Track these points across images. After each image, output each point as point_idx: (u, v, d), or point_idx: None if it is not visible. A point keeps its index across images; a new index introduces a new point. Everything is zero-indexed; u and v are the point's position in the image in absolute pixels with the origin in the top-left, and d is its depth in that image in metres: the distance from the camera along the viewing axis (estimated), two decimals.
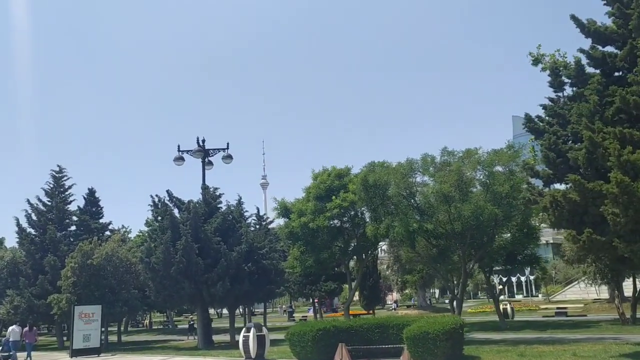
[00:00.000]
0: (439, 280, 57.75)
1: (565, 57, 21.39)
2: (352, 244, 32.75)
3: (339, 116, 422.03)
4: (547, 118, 18.74)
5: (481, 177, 25.52)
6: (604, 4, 17.75)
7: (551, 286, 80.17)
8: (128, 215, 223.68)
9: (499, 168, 26.32)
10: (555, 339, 25.27)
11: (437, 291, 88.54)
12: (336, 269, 43.57)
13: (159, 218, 34.77)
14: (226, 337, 36.66)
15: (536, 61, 21.24)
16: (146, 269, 32.87)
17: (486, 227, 26.07)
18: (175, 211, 34.49)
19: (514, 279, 75.54)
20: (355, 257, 35.49)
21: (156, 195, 34.67)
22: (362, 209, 30.07)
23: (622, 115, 15.90)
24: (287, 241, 33.52)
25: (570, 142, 17.18)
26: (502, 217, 26.08)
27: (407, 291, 75.31)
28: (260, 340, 21.13)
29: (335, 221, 31.40)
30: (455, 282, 36.43)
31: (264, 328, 22.08)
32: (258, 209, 58.50)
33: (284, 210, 33.16)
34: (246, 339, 21.12)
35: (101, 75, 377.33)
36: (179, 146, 33.53)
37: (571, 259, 37.89)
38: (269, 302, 58.07)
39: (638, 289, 34.42)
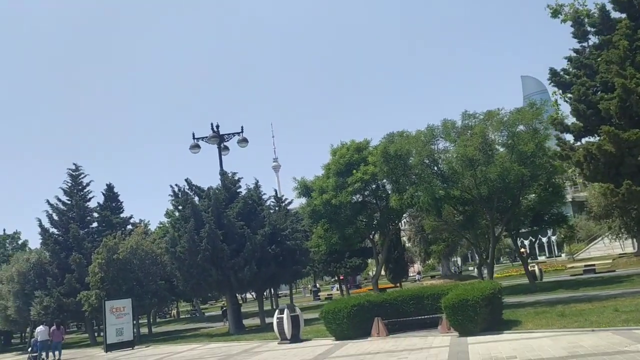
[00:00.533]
0: (462, 248, 57.32)
1: (586, 5, 20.41)
2: (376, 218, 32.40)
3: (347, 91, 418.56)
4: (573, 70, 18.05)
5: (504, 138, 24.85)
6: None
7: (574, 245, 79.46)
8: (146, 207, 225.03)
9: (521, 127, 25.64)
10: (590, 296, 24.81)
11: (459, 259, 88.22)
12: (359, 244, 43.32)
13: (180, 207, 34.67)
14: (256, 321, 36.73)
15: (555, 13, 20.27)
16: (172, 259, 32.85)
17: (512, 188, 25.54)
18: (196, 199, 34.33)
19: (536, 241, 74.98)
20: (380, 230, 35.12)
21: (176, 185, 34.58)
22: (384, 181, 29.60)
23: None
24: (309, 220, 33.18)
25: (600, 92, 16.49)
26: (528, 177, 25.50)
27: (429, 261, 75.06)
28: (295, 320, 20.97)
29: (358, 196, 31.04)
30: (482, 248, 36.01)
31: (297, 308, 21.92)
32: (276, 190, 58.50)
33: (305, 189, 32.82)
34: (280, 320, 20.96)
35: (107, 68, 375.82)
36: (193, 134, 33.17)
37: (598, 214, 37.32)
38: (292, 283, 58.20)
39: None
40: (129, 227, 47.45)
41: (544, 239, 76.31)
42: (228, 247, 31.01)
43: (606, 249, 68.40)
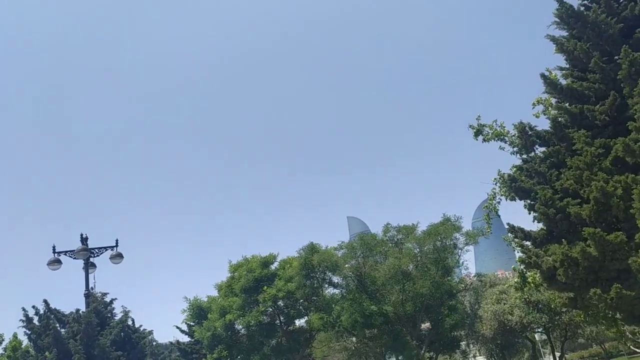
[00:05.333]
0: None
1: (504, 127, 21.57)
2: (283, 341, 28.43)
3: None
4: (526, 179, 18.08)
5: (430, 252, 24.18)
6: (566, 65, 18.28)
7: None
8: None
9: (438, 242, 25.32)
10: None
11: None
12: None
13: (33, 336, 27.73)
14: None
15: (477, 133, 21.09)
16: None
17: (435, 306, 24.47)
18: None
19: None
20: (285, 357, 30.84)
21: (33, 307, 27.80)
22: (295, 298, 26.66)
23: (618, 165, 15.66)
24: (207, 348, 28.20)
25: (563, 198, 16.46)
26: (447, 296, 24.76)
27: None
28: None
29: (266, 317, 27.35)
30: None
31: None
32: (133, 319, 51.12)
33: (198, 310, 28.33)
34: None
35: None
36: (54, 247, 27.84)
37: (488, 337, 37.53)
38: None
39: None
40: None
41: None
42: None
43: None
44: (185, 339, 42.70)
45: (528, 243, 17.95)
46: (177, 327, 43.35)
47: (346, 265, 23.66)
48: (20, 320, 28.18)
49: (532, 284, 21.97)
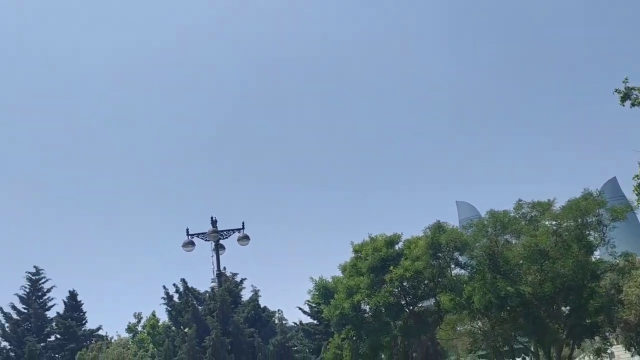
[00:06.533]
0: None
1: None
2: (410, 323, 27.93)
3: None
4: None
5: (571, 228, 22.37)
6: None
7: None
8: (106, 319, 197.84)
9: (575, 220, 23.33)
10: None
11: None
12: None
13: (173, 312, 29.70)
14: None
15: (625, 97, 18.87)
16: None
17: (579, 288, 22.63)
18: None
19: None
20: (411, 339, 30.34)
21: (174, 285, 29.78)
22: (421, 279, 26.05)
23: None
24: (336, 327, 28.42)
25: None
26: (589, 277, 22.78)
27: None
28: None
29: (392, 297, 27.03)
30: None
31: None
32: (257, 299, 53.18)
33: (324, 290, 28.65)
34: None
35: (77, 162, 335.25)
36: (187, 230, 29.32)
37: (633, 324, 34.51)
38: None
39: None
40: (94, 340, 41.01)
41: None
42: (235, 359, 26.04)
43: None
44: (306, 319, 43.55)
45: None
46: (300, 309, 44.38)
47: (476, 244, 22.53)
48: (162, 297, 30.35)
49: None
